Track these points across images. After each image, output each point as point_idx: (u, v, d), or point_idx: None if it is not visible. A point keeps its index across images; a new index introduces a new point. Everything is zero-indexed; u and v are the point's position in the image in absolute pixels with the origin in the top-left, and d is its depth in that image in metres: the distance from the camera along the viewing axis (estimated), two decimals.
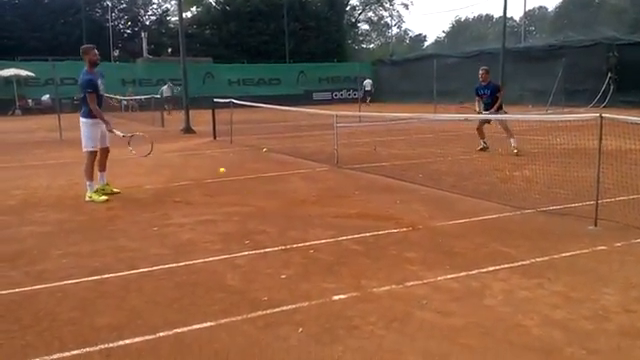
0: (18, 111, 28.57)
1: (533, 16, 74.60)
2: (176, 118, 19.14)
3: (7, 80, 28.80)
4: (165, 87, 27.61)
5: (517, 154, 9.97)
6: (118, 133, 7.54)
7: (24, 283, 4.16)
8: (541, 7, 78.70)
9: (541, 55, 27.15)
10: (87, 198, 7.13)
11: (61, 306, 3.72)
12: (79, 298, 3.87)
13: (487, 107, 10.59)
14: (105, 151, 7.53)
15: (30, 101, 29.40)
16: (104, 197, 7.16)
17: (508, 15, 29.63)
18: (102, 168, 7.52)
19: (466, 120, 10.98)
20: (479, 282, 4.02)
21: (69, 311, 3.63)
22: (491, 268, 4.29)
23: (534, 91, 25.80)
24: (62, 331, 3.34)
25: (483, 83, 10.83)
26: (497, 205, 6.36)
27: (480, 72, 10.95)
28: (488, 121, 10.45)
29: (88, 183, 7.21)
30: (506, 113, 10.40)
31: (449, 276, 4.13)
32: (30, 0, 38.33)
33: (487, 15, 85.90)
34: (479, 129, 10.74)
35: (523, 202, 6.35)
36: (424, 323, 3.36)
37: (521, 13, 54.56)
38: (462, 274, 4.16)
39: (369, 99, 33.21)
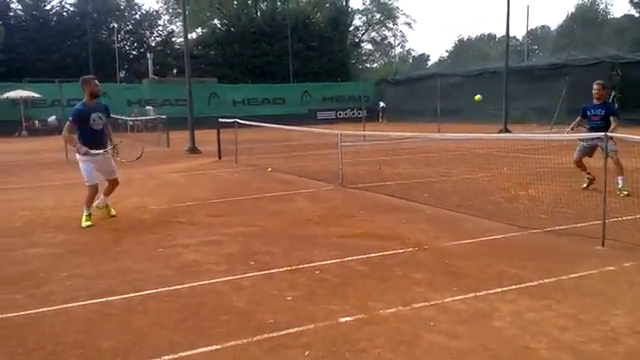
0: (24, 132, 28.77)
1: (536, 35, 75.14)
2: (179, 138, 19.21)
3: (14, 102, 29.07)
4: (148, 107, 29.19)
5: (626, 195, 7.76)
6: (96, 151, 7.01)
7: (29, 306, 4.14)
8: (544, 26, 79.07)
9: (544, 74, 27.26)
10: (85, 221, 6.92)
11: (66, 329, 3.70)
12: (84, 320, 3.85)
13: (596, 131, 7.67)
14: (113, 182, 7.45)
15: (37, 122, 29.62)
16: (88, 222, 6.88)
17: (511, 34, 29.68)
18: (107, 193, 7.46)
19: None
20: (487, 303, 3.98)
21: (74, 334, 3.61)
22: (498, 289, 4.25)
23: (538, 110, 25.84)
24: (67, 355, 3.32)
25: (597, 102, 8.39)
26: (503, 225, 6.33)
27: (595, 87, 8.39)
28: (591, 152, 8.34)
29: (85, 211, 7.00)
30: (615, 145, 7.61)
31: (456, 297, 4.10)
32: (37, 22, 38.93)
33: (490, 34, 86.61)
34: (578, 162, 8.46)
35: (529, 222, 6.32)
36: (432, 345, 3.33)
37: (524, 32, 55.00)
38: (469, 295, 4.13)
39: (382, 118, 34.28)
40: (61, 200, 8.93)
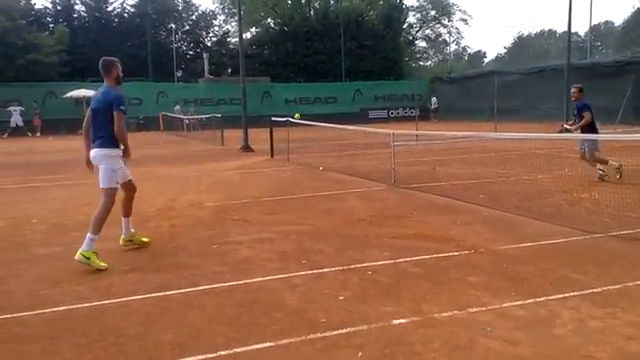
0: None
1: (599, 31, 72.07)
2: (233, 136, 19.55)
3: (77, 100, 30.39)
4: (177, 107, 30.12)
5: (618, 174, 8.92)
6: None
7: (92, 298, 4.31)
8: (607, 22, 75.82)
9: (608, 71, 26.09)
10: (79, 257, 5.08)
11: (127, 321, 3.83)
12: (143, 313, 3.97)
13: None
14: (132, 189, 5.96)
15: None
16: (104, 264, 5.12)
17: (572, 30, 28.67)
18: (128, 212, 5.91)
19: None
20: (547, 310, 3.84)
21: (134, 327, 3.73)
22: (560, 295, 4.09)
23: (601, 109, 24.52)
24: (127, 346, 3.42)
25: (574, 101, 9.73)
26: (564, 228, 6.09)
27: (572, 90, 9.86)
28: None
29: (91, 237, 5.21)
30: (595, 141, 8.91)
31: (515, 303, 3.97)
32: (100, 24, 40.55)
33: (550, 30, 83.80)
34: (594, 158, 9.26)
35: (592, 226, 6.06)
36: (489, 352, 3.24)
37: (586, 28, 52.83)
38: (529, 301, 3.99)
39: (433, 116, 33.83)
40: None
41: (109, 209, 5.44)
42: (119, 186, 5.64)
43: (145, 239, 5.99)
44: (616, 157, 9.53)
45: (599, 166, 9.07)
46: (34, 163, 15.52)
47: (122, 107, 5.40)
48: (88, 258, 5.06)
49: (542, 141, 11.19)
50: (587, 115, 9.17)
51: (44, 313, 4.01)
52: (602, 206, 7.07)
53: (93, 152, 5.54)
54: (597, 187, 8.23)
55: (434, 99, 36.14)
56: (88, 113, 5.68)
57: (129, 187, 5.84)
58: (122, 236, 5.86)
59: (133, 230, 5.92)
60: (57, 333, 3.65)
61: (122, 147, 5.57)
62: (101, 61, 5.71)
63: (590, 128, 9.13)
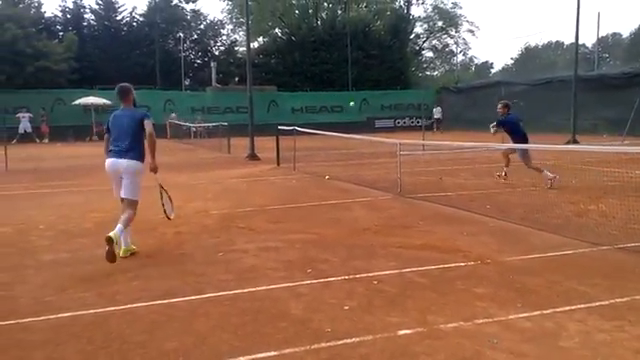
0: (95, 137, 30.19)
1: (606, 43, 71.99)
2: (239, 144, 19.59)
3: (86, 108, 30.60)
4: (173, 115, 30.67)
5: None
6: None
7: (97, 304, 4.31)
8: (615, 33, 75.59)
9: (616, 83, 26.04)
10: (122, 253, 5.69)
11: (131, 328, 3.83)
12: (148, 321, 3.97)
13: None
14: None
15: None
16: (134, 247, 5.92)
17: (580, 42, 28.50)
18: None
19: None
20: (554, 322, 3.81)
21: (139, 334, 3.73)
22: (567, 308, 4.06)
23: (608, 120, 24.67)
24: (132, 354, 3.42)
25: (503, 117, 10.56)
26: (571, 240, 6.05)
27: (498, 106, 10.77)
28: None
29: (121, 228, 5.63)
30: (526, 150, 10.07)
31: (521, 314, 3.94)
32: (109, 32, 40.88)
33: (557, 42, 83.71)
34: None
35: (600, 238, 6.02)
36: None
37: (594, 39, 52.72)
38: (535, 313, 3.96)
39: (436, 128, 33.44)
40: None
41: (134, 215, 5.92)
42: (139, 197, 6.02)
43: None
44: (624, 169, 9.50)
45: (546, 171, 9.94)
46: (42, 169, 15.61)
47: (152, 121, 6.00)
48: (130, 250, 5.82)
49: (549, 152, 11.15)
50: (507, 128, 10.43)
51: (49, 319, 4.02)
52: (609, 218, 7.02)
53: (124, 162, 5.82)
54: (604, 199, 8.18)
55: (438, 109, 35.54)
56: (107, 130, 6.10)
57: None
58: (123, 247, 5.76)
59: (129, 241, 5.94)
60: (62, 339, 3.65)
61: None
62: (119, 88, 6.21)
63: (522, 139, 10.05)
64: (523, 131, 10.18)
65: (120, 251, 5.65)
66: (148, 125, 5.83)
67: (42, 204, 9.38)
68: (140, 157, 5.88)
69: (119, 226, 5.55)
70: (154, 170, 5.95)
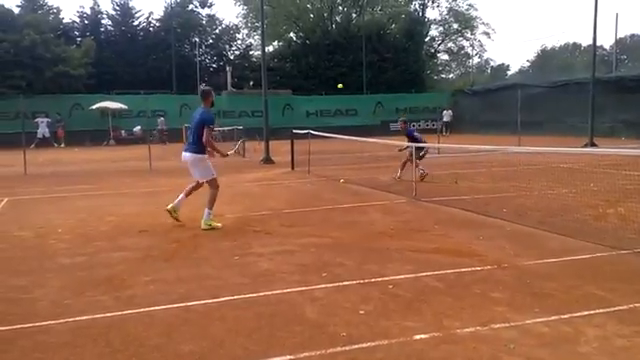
0: (112, 141, 30.52)
1: (625, 44, 71.01)
2: (254, 148, 19.66)
3: (103, 112, 30.95)
4: (161, 119, 30.74)
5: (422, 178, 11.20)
6: (230, 152, 8.41)
7: (114, 307, 4.36)
8: (634, 35, 74.42)
9: (634, 85, 25.67)
10: (204, 226, 7.26)
11: (148, 331, 3.86)
12: (165, 324, 4.00)
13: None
14: (199, 185, 7.77)
15: (123, 132, 31.37)
16: (220, 224, 7.41)
17: (598, 43, 28.19)
18: (189, 194, 7.76)
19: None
20: (571, 327, 3.77)
21: (156, 337, 3.76)
22: (585, 312, 4.02)
23: (627, 123, 24.37)
24: (149, 357, 3.45)
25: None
26: (590, 244, 5.99)
27: (399, 124, 13.03)
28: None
29: (208, 212, 7.35)
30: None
31: (538, 319, 3.90)
32: (126, 37, 41.31)
33: (575, 44, 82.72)
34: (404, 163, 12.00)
35: (619, 242, 5.94)
36: None
37: (612, 41, 52.03)
38: (553, 318, 3.92)
39: (445, 131, 32.79)
40: (144, 207, 9.38)
41: (216, 192, 7.52)
42: (215, 175, 7.59)
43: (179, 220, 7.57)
44: None
45: (421, 166, 11.45)
46: (60, 174, 15.81)
47: (211, 125, 7.46)
48: (209, 225, 7.28)
49: (566, 155, 11.01)
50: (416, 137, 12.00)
51: (68, 322, 4.07)
52: (629, 222, 6.92)
53: (187, 155, 7.52)
54: (623, 202, 8.07)
55: (447, 112, 34.75)
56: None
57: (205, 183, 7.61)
58: (171, 205, 7.58)
59: (180, 209, 7.62)
60: (80, 342, 3.69)
61: (209, 150, 7.53)
62: (199, 90, 7.97)
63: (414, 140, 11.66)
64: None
65: (202, 224, 7.26)
66: (205, 133, 7.29)
67: (60, 208, 9.51)
68: (199, 151, 7.41)
69: (206, 210, 7.35)
70: (224, 156, 7.94)
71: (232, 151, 8.09)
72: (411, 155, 11.05)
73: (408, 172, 11.36)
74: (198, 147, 7.39)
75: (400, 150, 12.74)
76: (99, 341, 3.70)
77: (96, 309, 4.33)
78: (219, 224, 7.38)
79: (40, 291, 4.85)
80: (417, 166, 10.87)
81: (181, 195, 7.68)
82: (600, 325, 3.80)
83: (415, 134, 12.32)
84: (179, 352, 3.50)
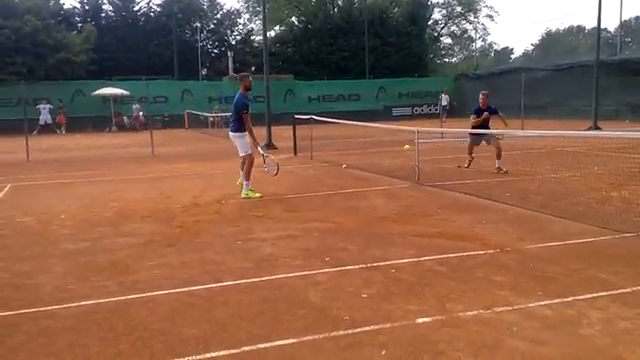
0: (114, 127, 30.49)
1: (629, 27, 70.32)
2: (256, 134, 19.59)
3: (104, 98, 30.89)
4: (136, 106, 30.10)
5: (505, 172, 10.29)
6: (260, 151, 8.97)
7: (118, 292, 4.38)
8: (638, 17, 73.64)
9: (639, 67, 25.47)
10: (243, 195, 8.54)
11: (152, 316, 3.87)
12: (169, 309, 4.01)
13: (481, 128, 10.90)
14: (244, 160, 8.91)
15: (125, 118, 31.32)
16: (259, 194, 8.57)
17: (602, 26, 27.84)
18: (241, 169, 9.01)
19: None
20: (575, 310, 3.77)
21: (160, 321, 3.77)
22: (588, 295, 4.01)
23: (631, 105, 24.21)
24: (153, 341, 3.46)
25: (482, 107, 11.13)
26: (594, 228, 5.97)
27: (481, 96, 11.34)
28: (480, 142, 10.99)
29: (246, 183, 8.67)
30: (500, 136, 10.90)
31: (542, 302, 3.90)
32: (127, 23, 41.09)
33: (579, 26, 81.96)
34: (470, 148, 11.17)
35: (623, 225, 5.92)
36: (515, 352, 3.19)
37: (616, 24, 51.55)
38: (556, 301, 3.92)
39: (443, 116, 31.38)
40: (147, 192, 9.39)
41: (251, 165, 8.69)
42: (250, 152, 8.73)
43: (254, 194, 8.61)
44: None
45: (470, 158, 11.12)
46: (62, 160, 15.83)
47: (244, 111, 8.62)
48: (247, 195, 8.50)
49: (570, 139, 10.95)
50: (502, 115, 11.21)
51: (72, 307, 4.09)
52: (633, 205, 6.89)
53: (230, 133, 8.90)
54: (627, 186, 8.04)
55: (445, 96, 32.67)
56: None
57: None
58: (239, 180, 9.11)
59: (239, 183, 9.00)
60: (84, 327, 3.71)
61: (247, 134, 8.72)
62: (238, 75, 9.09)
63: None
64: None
65: (242, 194, 8.54)
66: (244, 120, 8.62)
67: (63, 194, 9.53)
68: (237, 129, 8.72)
69: (245, 183, 8.67)
70: (255, 145, 8.84)
71: (263, 152, 9.06)
72: (475, 140, 10.81)
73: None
74: (236, 126, 8.73)
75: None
76: (103, 326, 3.72)
77: (100, 294, 4.34)
78: (257, 194, 8.53)
79: (44, 276, 4.87)
80: (499, 157, 10.49)
81: (241, 172, 9.02)
82: (603, 308, 3.80)
83: (498, 113, 11.27)
84: (183, 336, 3.52)
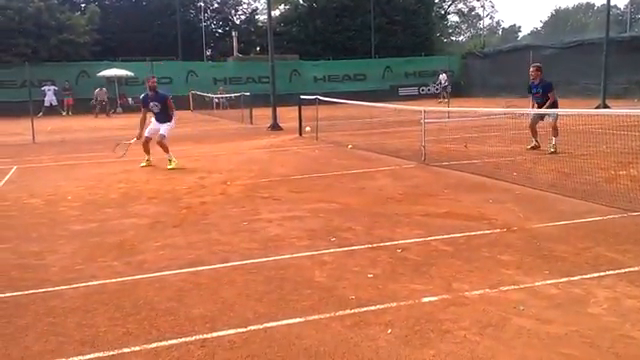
0: (119, 109, 30.45)
1: (639, 4, 69.12)
2: (262, 115, 19.55)
3: (109, 80, 30.80)
4: (100, 90, 28.48)
5: (553, 152, 9.82)
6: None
7: (125, 273, 4.40)
8: None
9: None
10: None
11: (159, 296, 3.90)
12: (176, 289, 4.03)
13: (538, 107, 10.31)
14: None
15: (130, 99, 31.25)
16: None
17: (612, 3, 27.42)
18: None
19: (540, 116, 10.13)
20: (582, 289, 3.76)
21: (166, 301, 3.80)
22: (595, 274, 4.00)
23: None
24: (160, 320, 3.49)
25: (535, 81, 10.51)
26: (601, 206, 5.93)
27: (531, 69, 10.70)
28: (541, 118, 10.31)
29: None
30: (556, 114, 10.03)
31: (548, 281, 3.89)
32: (130, 3, 40.75)
33: (588, 3, 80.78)
34: (532, 127, 10.45)
35: (631, 204, 5.88)
36: (521, 330, 3.19)
37: (626, 0, 50.70)
38: (563, 280, 3.91)
39: (443, 96, 29.90)
40: (153, 174, 9.41)
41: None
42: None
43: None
44: None
45: (536, 138, 10.40)
46: (69, 141, 15.85)
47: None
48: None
49: (578, 117, 10.84)
50: (553, 95, 10.26)
51: (80, 287, 4.12)
52: None
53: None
54: (635, 164, 7.97)
55: (443, 76, 31.53)
56: None
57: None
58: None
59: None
60: (92, 307, 3.74)
61: None
62: None
63: (553, 105, 10.26)
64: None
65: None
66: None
67: (69, 176, 9.56)
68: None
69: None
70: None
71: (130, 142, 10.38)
72: (536, 118, 10.23)
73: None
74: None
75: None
76: (110, 306, 3.75)
77: (107, 274, 4.37)
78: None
79: (52, 257, 4.90)
80: (556, 135, 9.96)
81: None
82: (610, 286, 3.79)
83: (550, 92, 10.30)
84: (190, 315, 3.54)
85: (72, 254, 4.96)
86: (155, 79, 10.43)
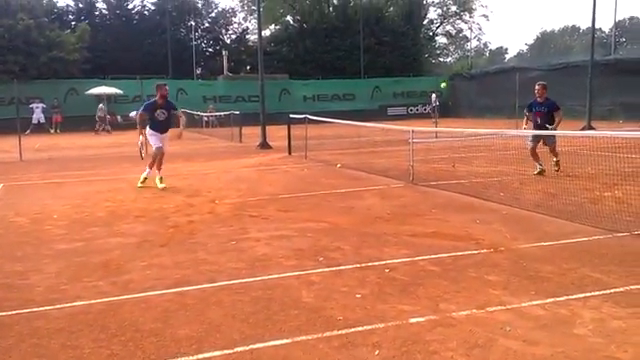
0: (108, 127, 30.34)
1: (624, 27, 70.61)
2: (251, 133, 19.58)
3: (99, 98, 30.72)
4: (100, 106, 29.02)
5: (557, 170, 9.90)
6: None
7: (111, 293, 4.36)
8: (632, 17, 73.95)
9: (633, 68, 25.57)
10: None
11: (145, 317, 3.86)
12: (161, 309, 3.99)
13: (539, 127, 9.96)
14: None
15: (119, 117, 31.16)
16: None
17: (597, 26, 27.95)
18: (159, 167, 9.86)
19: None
20: (567, 309, 3.78)
21: (152, 322, 3.76)
22: (581, 295, 4.02)
23: (625, 105, 24.32)
24: (145, 342, 3.45)
25: (539, 99, 10.17)
26: (586, 227, 5.99)
27: (537, 87, 10.32)
28: (538, 141, 9.91)
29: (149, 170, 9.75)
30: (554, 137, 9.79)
31: (534, 302, 3.91)
32: (120, 21, 40.90)
33: (573, 26, 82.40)
34: (533, 151, 9.98)
35: (615, 225, 5.94)
36: (508, 351, 3.19)
37: (611, 24, 51.70)
38: (549, 300, 3.93)
39: (433, 116, 30.27)
40: (140, 192, 9.36)
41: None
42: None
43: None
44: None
45: (539, 162, 10.00)
46: (56, 159, 15.75)
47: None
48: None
49: (564, 139, 11.00)
50: (560, 115, 10.07)
51: (64, 308, 4.06)
52: (625, 205, 6.91)
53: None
54: (620, 185, 8.07)
55: (434, 95, 30.56)
56: None
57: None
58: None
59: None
60: (76, 327, 3.69)
61: None
62: None
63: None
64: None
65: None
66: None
67: (56, 194, 9.48)
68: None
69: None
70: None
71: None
72: (535, 142, 9.82)
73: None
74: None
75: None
76: (95, 327, 3.70)
77: (92, 294, 4.32)
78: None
79: (36, 277, 4.84)
80: (555, 156, 9.84)
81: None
82: (596, 307, 3.81)
83: (556, 111, 9.99)
84: (176, 337, 3.51)
85: (57, 274, 4.91)
86: (167, 87, 9.97)
